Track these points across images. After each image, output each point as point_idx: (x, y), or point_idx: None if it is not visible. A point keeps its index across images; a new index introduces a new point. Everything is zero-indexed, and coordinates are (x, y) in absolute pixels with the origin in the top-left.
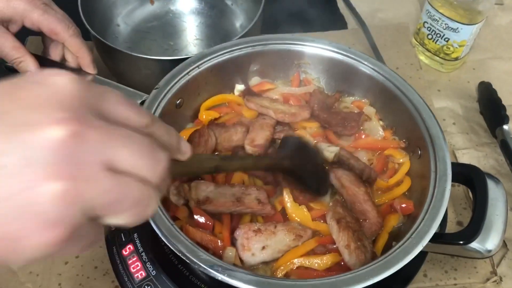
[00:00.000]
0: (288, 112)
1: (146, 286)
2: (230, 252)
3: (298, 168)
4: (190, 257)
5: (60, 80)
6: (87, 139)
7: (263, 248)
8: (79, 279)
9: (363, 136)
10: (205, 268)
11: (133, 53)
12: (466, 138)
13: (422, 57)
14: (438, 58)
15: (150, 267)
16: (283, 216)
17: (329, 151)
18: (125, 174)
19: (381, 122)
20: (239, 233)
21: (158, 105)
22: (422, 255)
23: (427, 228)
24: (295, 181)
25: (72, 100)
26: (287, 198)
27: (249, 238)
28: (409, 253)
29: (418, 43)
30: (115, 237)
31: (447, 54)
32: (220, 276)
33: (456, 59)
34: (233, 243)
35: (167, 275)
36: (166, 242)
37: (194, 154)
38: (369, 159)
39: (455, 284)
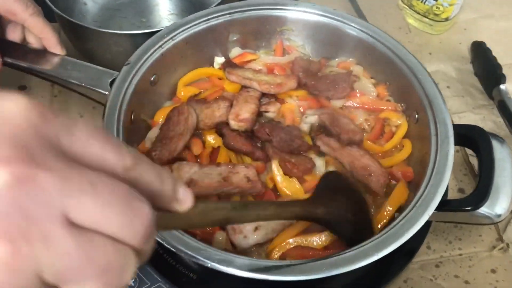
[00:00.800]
0: (273, 83)
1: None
2: (219, 236)
3: (335, 217)
4: (175, 244)
5: (8, 106)
6: (40, 185)
7: (256, 229)
8: None
9: (358, 95)
10: (192, 256)
11: (101, 29)
12: (462, 102)
13: (410, 20)
14: (427, 19)
15: None
16: (275, 193)
17: (306, 122)
18: (91, 231)
19: (372, 80)
20: None
21: (130, 82)
22: (426, 225)
23: (432, 195)
24: (331, 229)
25: (23, 134)
26: (276, 171)
27: None
28: (415, 224)
29: (405, 5)
30: None
31: (436, 15)
32: (210, 263)
33: (447, 19)
34: (222, 227)
35: (151, 265)
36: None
37: (197, 202)
38: (366, 119)
39: (460, 255)
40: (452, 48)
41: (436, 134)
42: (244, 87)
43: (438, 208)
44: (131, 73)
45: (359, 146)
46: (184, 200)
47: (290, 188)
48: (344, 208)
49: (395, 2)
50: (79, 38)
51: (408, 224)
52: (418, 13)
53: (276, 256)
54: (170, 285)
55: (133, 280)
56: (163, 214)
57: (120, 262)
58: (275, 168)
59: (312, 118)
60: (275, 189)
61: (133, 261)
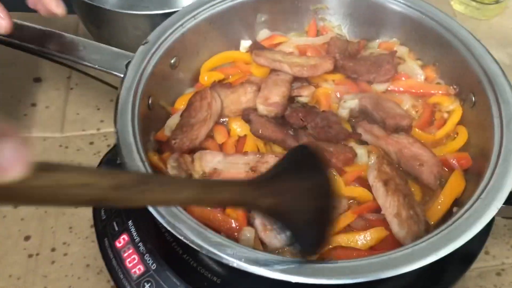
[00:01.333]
0: (306, 65)
1: (145, 283)
2: (248, 233)
3: (284, 212)
4: (196, 240)
5: None
6: None
7: None
8: (68, 281)
9: (403, 79)
10: (215, 254)
11: (119, 10)
12: None
13: (456, 6)
14: (474, 3)
15: (149, 260)
16: None
17: (344, 108)
18: None
19: (419, 62)
20: None
21: (148, 63)
22: (486, 225)
23: (499, 185)
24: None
25: None
26: None
27: None
28: (481, 218)
29: None
30: (106, 227)
31: None
32: (236, 262)
33: (497, 1)
34: (250, 223)
35: (170, 268)
36: (164, 224)
37: (46, 172)
38: (413, 105)
39: None
40: (503, 33)
41: (500, 116)
42: (273, 71)
43: (508, 202)
44: (148, 54)
45: (407, 133)
46: (8, 167)
47: None
48: (301, 202)
49: None
50: (96, 21)
51: (472, 218)
52: None
53: (314, 257)
54: None
55: (149, 284)
56: None
57: None
58: None
59: (351, 103)
60: None
61: None
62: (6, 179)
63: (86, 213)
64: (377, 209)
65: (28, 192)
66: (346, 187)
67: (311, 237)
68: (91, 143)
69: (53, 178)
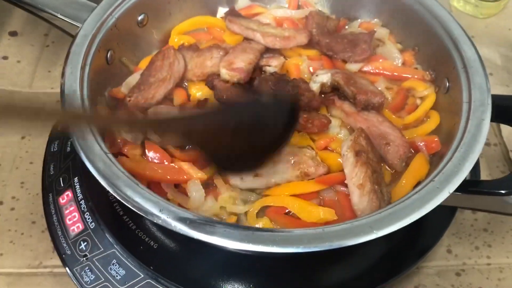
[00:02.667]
0: (280, 36)
1: (82, 242)
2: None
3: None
4: (126, 191)
5: None
6: None
7: (256, 175)
8: (11, 236)
9: (380, 61)
10: (142, 207)
11: None
12: (506, 91)
13: (453, 2)
14: (473, 0)
15: (89, 219)
16: None
17: (315, 81)
18: None
19: (398, 45)
20: None
21: (110, 15)
22: (446, 217)
23: (456, 169)
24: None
25: None
26: None
27: None
28: (430, 201)
29: None
30: (53, 182)
31: None
32: (162, 218)
33: (495, 0)
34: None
35: (108, 229)
36: (94, 172)
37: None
38: (387, 87)
39: (489, 264)
40: (499, 33)
41: (469, 102)
42: (245, 40)
43: (463, 189)
44: (113, 5)
45: (378, 112)
46: None
47: (297, 141)
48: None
49: None
50: None
51: (421, 201)
52: None
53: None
54: (126, 252)
55: (85, 243)
56: None
57: None
58: None
59: (323, 77)
60: None
61: None
62: None
63: (40, 170)
64: (342, 181)
65: None
66: (320, 151)
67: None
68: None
69: None
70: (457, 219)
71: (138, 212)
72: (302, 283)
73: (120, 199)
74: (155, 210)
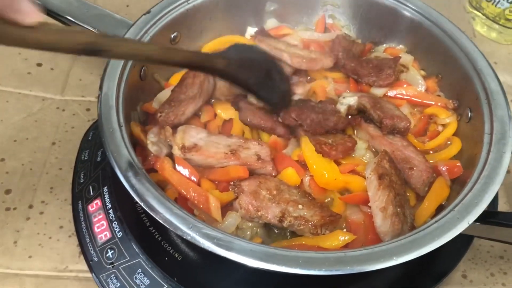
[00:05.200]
0: (306, 57)
1: (109, 250)
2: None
3: (238, 72)
4: (156, 206)
5: None
6: None
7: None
8: (40, 239)
9: (404, 86)
10: (172, 223)
11: None
12: None
13: (477, 27)
14: (497, 26)
15: (116, 228)
16: (303, 166)
17: (342, 103)
18: None
19: (422, 72)
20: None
21: (146, 33)
22: (464, 244)
23: (475, 200)
24: (241, 88)
25: None
26: (307, 149)
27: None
28: (449, 231)
29: (473, 8)
30: (82, 190)
31: (508, 20)
32: (191, 235)
33: None
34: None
35: (134, 239)
36: (126, 186)
37: (52, 24)
38: (410, 113)
39: None
40: None
41: (491, 133)
42: None
43: (482, 219)
44: (149, 23)
45: (402, 136)
46: (27, 11)
47: (322, 165)
48: (255, 65)
49: (462, 4)
50: None
51: (440, 230)
52: (488, 18)
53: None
54: (151, 262)
55: (112, 251)
56: (7, 26)
57: None
58: (304, 145)
59: (350, 99)
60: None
61: None
62: (28, 21)
63: (68, 176)
64: (368, 202)
65: (39, 35)
66: (342, 175)
67: (271, 92)
68: (88, 109)
69: (54, 26)
70: (474, 245)
71: (169, 227)
72: None
73: (152, 214)
74: (184, 227)
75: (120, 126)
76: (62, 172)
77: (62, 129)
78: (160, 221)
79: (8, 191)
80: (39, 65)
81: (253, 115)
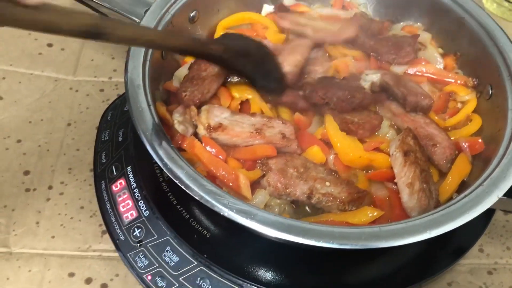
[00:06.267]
0: (330, 30)
1: (136, 229)
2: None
3: (234, 58)
4: (191, 185)
5: None
6: None
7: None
8: (61, 219)
9: (423, 63)
10: (209, 201)
11: None
12: None
13: (487, 5)
14: (506, 3)
15: (143, 207)
16: (327, 144)
17: (365, 80)
18: None
19: (440, 50)
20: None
21: (167, 12)
22: (483, 219)
23: (503, 175)
24: (237, 74)
25: None
26: (331, 127)
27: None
28: (479, 204)
29: None
30: (105, 170)
31: None
32: (227, 212)
33: None
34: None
35: (162, 217)
36: (160, 165)
37: (54, 5)
38: (430, 90)
39: None
40: None
41: None
42: (294, 38)
43: (509, 194)
44: (169, 3)
45: (425, 114)
46: None
47: (346, 144)
48: (249, 53)
49: None
50: None
51: (470, 204)
52: None
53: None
54: (180, 240)
55: (139, 230)
56: (9, 5)
57: None
58: (329, 124)
59: (373, 76)
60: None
61: None
62: (29, 1)
63: (86, 156)
64: (392, 178)
65: (42, 16)
66: (366, 152)
67: (265, 77)
68: (102, 90)
69: (56, 8)
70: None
71: (206, 205)
72: (342, 275)
73: (188, 192)
74: (220, 205)
75: (149, 105)
76: (80, 153)
77: (76, 110)
78: (197, 198)
79: (26, 172)
80: (50, 45)
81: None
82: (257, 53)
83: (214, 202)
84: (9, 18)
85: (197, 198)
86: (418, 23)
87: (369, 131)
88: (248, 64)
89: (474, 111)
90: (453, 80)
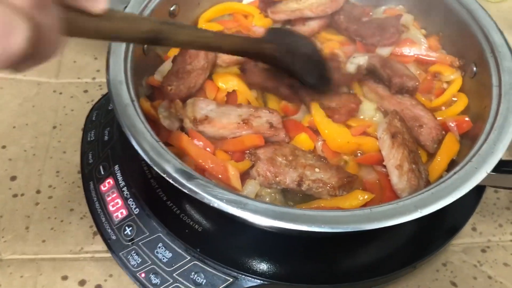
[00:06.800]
0: (325, 2)
1: (127, 227)
2: (250, 186)
3: (285, 56)
4: (179, 178)
5: None
6: None
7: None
8: (51, 223)
9: (408, 44)
10: (197, 193)
11: None
12: None
13: None
14: None
15: (132, 205)
16: (314, 132)
17: (352, 63)
18: None
19: (423, 31)
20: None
21: (146, 6)
22: (474, 197)
23: (490, 150)
24: (286, 73)
25: None
26: (317, 114)
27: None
28: (468, 181)
29: None
30: (92, 171)
31: None
32: (217, 203)
33: None
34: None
35: (153, 214)
36: (147, 160)
37: (117, 10)
38: (417, 72)
39: None
40: (511, 17)
41: (499, 85)
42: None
43: (498, 169)
44: None
45: (411, 95)
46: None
47: (334, 130)
48: (295, 51)
49: None
50: None
51: (460, 181)
52: None
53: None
54: (172, 236)
55: (130, 228)
56: (77, 15)
57: (5, 21)
58: (315, 111)
59: (360, 59)
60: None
61: (22, 25)
62: (97, 9)
63: (73, 158)
64: (381, 161)
65: (109, 24)
66: (354, 137)
67: (314, 76)
68: (85, 91)
69: (120, 13)
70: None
71: (195, 197)
72: (337, 261)
73: (177, 186)
74: (210, 196)
75: (132, 101)
76: (67, 155)
77: (61, 113)
78: (186, 191)
79: (13, 178)
80: None
81: (258, 76)
82: (306, 49)
83: (203, 193)
84: (78, 29)
85: (186, 191)
86: (400, 6)
87: (345, 115)
88: (298, 62)
89: (460, 90)
90: (439, 60)
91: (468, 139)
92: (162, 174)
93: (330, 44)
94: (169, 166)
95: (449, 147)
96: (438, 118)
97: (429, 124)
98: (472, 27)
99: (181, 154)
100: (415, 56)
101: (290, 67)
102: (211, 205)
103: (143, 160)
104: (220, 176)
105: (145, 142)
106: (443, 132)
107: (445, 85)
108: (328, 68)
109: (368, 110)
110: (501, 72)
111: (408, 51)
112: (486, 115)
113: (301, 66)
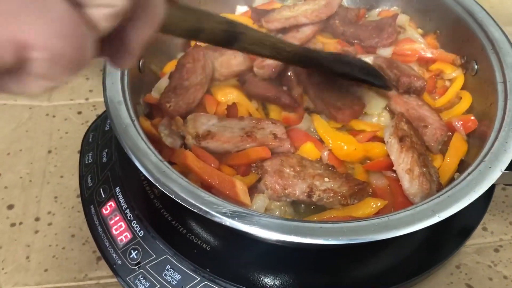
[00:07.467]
0: (319, 7)
1: (132, 251)
2: (259, 200)
3: (343, 67)
4: (187, 198)
5: None
6: None
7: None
8: (52, 251)
9: (408, 43)
10: (208, 212)
11: None
12: None
13: None
14: None
15: (136, 227)
16: (319, 140)
17: None
18: None
19: (419, 31)
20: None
21: None
22: (485, 198)
23: (503, 148)
24: (351, 78)
25: None
26: (319, 127)
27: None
28: (484, 181)
29: None
30: (92, 194)
31: None
32: (229, 221)
33: None
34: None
35: (158, 235)
36: (153, 181)
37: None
38: (420, 72)
39: None
40: (504, 13)
41: (504, 81)
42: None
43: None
44: None
45: (418, 96)
46: None
47: (339, 138)
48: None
49: None
50: None
51: (476, 181)
52: None
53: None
54: (180, 257)
55: (136, 251)
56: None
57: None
58: (316, 123)
59: (366, 60)
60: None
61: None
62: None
63: (71, 183)
64: (390, 167)
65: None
66: (361, 144)
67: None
68: (79, 112)
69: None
70: None
71: (205, 216)
72: (351, 274)
73: (186, 205)
74: (220, 215)
75: (132, 120)
76: (64, 179)
77: (56, 136)
78: (195, 210)
79: (10, 206)
80: None
81: (257, 86)
82: (355, 61)
83: (213, 212)
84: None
85: (195, 210)
86: (394, 7)
87: (349, 116)
88: (355, 68)
89: (462, 88)
90: (439, 57)
91: (476, 138)
92: (169, 195)
93: (327, 47)
94: (175, 186)
95: (457, 148)
96: (444, 119)
97: (434, 125)
98: (470, 24)
99: (185, 172)
100: (417, 55)
101: (350, 73)
102: (223, 223)
103: (146, 180)
104: (228, 192)
105: (149, 163)
106: (449, 133)
107: (447, 83)
108: (377, 71)
109: (377, 108)
110: (505, 69)
111: (409, 51)
112: (493, 113)
113: (358, 71)
